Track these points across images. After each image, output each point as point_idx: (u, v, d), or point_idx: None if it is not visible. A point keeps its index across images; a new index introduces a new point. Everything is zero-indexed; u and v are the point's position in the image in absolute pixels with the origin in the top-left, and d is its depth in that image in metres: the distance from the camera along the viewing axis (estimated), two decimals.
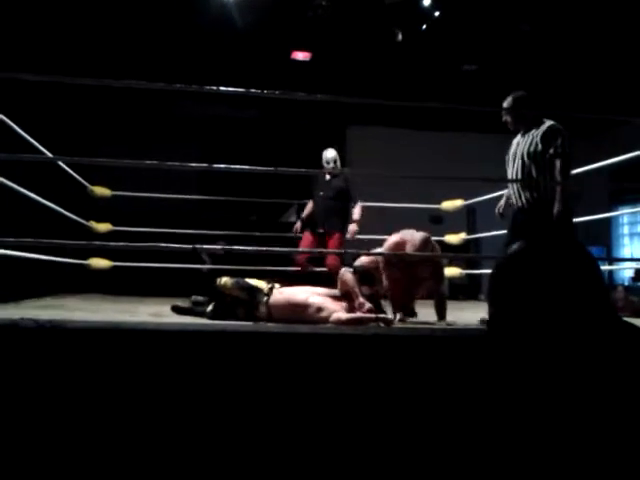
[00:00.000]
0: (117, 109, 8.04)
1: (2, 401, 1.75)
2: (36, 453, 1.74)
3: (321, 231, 4.88)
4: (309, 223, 5.02)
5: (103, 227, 5.09)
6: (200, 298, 3.63)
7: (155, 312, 3.43)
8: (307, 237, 4.96)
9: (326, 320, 3.20)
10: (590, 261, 1.06)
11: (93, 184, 5.10)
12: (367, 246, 4.63)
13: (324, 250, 4.77)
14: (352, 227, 4.92)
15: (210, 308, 3.40)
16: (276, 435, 1.83)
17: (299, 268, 5.03)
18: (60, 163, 4.39)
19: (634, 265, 8.22)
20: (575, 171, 4.19)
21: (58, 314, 2.93)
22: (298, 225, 5.15)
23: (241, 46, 6.52)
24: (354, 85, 7.22)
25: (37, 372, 1.80)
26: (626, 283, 8.24)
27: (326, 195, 4.94)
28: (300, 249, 5.00)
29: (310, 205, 5.13)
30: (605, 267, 5.90)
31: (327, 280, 4.16)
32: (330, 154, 5.04)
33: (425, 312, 3.93)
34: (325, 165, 5.03)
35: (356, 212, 4.94)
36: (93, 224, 5.04)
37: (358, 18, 6.11)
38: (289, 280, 3.83)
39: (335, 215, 4.91)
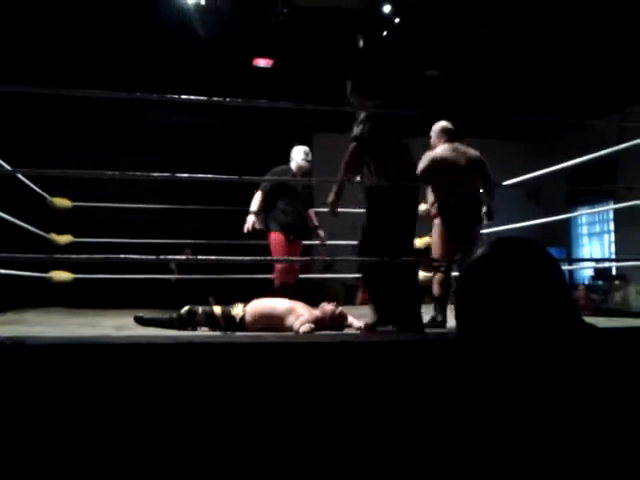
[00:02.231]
0: (78, 118, 7.90)
1: None
2: None
3: (292, 238, 4.49)
4: (281, 225, 4.46)
5: (64, 239, 4.97)
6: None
7: (118, 325, 3.37)
8: (281, 241, 4.45)
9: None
10: (551, 263, 1.08)
11: (53, 195, 4.99)
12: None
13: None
14: (322, 233, 4.73)
15: (185, 309, 3.36)
16: (246, 444, 1.81)
17: (280, 281, 4.37)
18: (18, 175, 4.28)
19: (593, 265, 8.42)
20: (534, 174, 4.29)
21: (19, 330, 2.85)
22: (255, 220, 4.44)
23: (203, 53, 6.48)
24: (317, 92, 7.24)
25: None
26: (586, 282, 8.44)
27: (297, 198, 4.54)
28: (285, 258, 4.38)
29: (261, 197, 4.51)
30: (566, 267, 6.03)
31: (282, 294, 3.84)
32: (307, 149, 4.63)
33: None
34: (306, 158, 4.59)
35: (314, 218, 4.76)
36: (53, 236, 4.92)
37: (319, 25, 6.14)
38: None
39: (303, 221, 4.62)
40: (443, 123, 4.00)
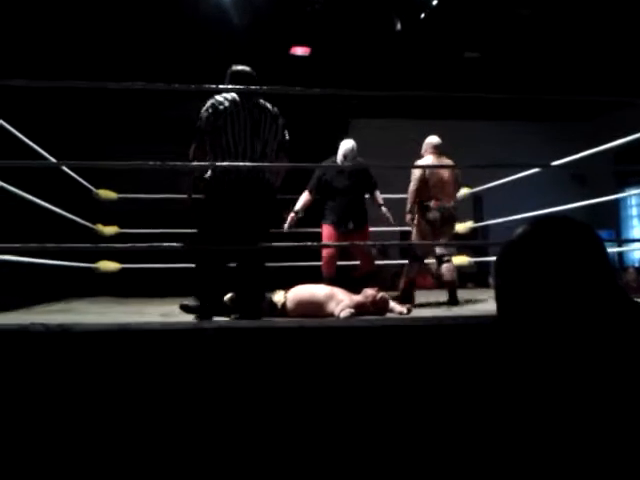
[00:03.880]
0: (121, 111, 8.04)
1: (16, 404, 1.77)
2: (46, 456, 1.75)
3: (351, 227, 4.51)
4: (331, 218, 4.55)
5: (110, 230, 5.12)
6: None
7: (164, 312, 3.44)
8: (331, 234, 4.53)
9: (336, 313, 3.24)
10: (595, 240, 1.05)
11: (99, 187, 5.12)
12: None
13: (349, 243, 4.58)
14: (387, 212, 4.72)
15: (228, 297, 3.42)
16: (285, 431, 1.83)
17: (325, 270, 4.53)
18: (64, 168, 4.41)
19: None
20: (579, 155, 4.15)
21: (67, 318, 2.95)
22: (293, 217, 4.60)
23: (240, 43, 6.51)
24: (355, 77, 7.20)
25: (48, 376, 1.81)
26: (637, 264, 8.19)
27: (345, 188, 4.54)
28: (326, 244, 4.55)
29: (307, 197, 4.63)
30: (615, 249, 5.86)
31: (359, 282, 3.93)
32: (348, 147, 4.58)
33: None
34: (342, 160, 4.55)
35: (380, 196, 4.78)
36: (100, 227, 5.06)
37: (356, 10, 6.08)
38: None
39: (360, 208, 4.62)
40: (435, 139, 4.63)
